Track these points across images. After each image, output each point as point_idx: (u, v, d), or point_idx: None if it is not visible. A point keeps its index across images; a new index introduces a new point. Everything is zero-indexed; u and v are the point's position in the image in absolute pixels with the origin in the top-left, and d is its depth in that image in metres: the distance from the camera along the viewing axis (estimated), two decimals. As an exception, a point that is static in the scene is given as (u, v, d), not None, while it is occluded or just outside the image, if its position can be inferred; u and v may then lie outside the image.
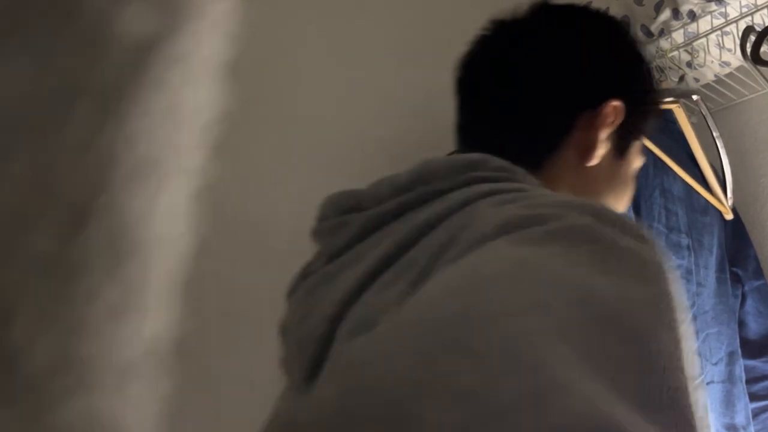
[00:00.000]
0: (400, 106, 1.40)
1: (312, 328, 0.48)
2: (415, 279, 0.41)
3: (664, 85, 1.07)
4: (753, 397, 1.04)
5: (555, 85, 0.61)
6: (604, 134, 0.60)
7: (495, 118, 0.65)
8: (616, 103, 0.60)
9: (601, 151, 0.60)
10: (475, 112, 0.68)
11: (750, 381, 1.04)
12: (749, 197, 1.20)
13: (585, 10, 0.69)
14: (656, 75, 1.10)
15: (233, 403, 1.13)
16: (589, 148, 0.60)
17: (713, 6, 1.02)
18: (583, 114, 0.60)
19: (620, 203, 0.65)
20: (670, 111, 1.03)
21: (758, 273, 1.12)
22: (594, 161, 0.60)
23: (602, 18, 0.68)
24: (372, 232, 0.51)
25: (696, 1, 1.01)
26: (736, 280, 1.09)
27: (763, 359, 1.07)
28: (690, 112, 1.12)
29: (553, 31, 0.66)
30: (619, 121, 0.61)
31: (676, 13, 1.03)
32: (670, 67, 1.10)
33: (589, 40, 0.64)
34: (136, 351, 0.19)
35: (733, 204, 1.10)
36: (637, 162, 0.66)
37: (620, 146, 0.63)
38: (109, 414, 0.18)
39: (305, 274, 0.59)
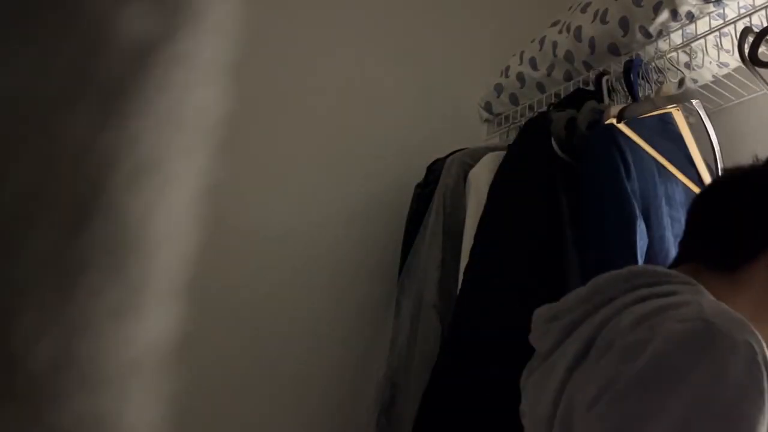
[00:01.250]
0: (403, 107, 1.41)
1: (541, 412, 0.63)
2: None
3: (663, 88, 1.07)
4: None
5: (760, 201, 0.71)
6: None
7: (716, 215, 0.75)
8: None
9: None
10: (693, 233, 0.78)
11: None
12: (748, 198, 1.20)
13: None
14: (655, 76, 1.10)
15: (233, 402, 1.13)
16: None
17: (711, 7, 1.02)
18: None
19: None
20: (669, 113, 1.03)
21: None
22: None
23: None
24: (569, 334, 0.66)
25: (694, 3, 1.02)
26: None
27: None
28: (687, 112, 1.12)
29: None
30: None
31: (674, 14, 1.04)
32: (668, 68, 1.10)
33: None
34: (137, 350, 0.19)
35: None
36: None
37: None
38: (111, 412, 0.18)
39: (530, 370, 0.75)
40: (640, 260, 0.89)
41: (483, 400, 0.90)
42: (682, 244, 0.78)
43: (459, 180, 1.15)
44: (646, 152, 0.98)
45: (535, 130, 1.06)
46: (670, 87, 1.09)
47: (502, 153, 1.09)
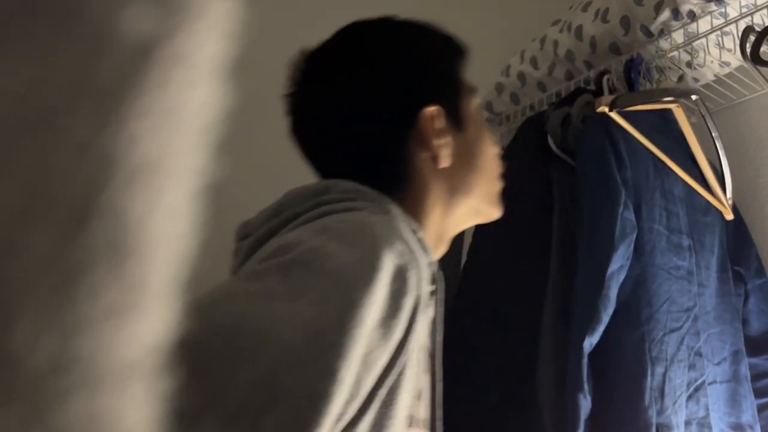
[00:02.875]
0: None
1: None
2: None
3: (663, 85, 1.07)
4: (756, 393, 1.04)
5: (364, 120, 0.68)
6: (441, 140, 0.67)
7: (331, 156, 0.73)
8: (429, 109, 0.67)
9: (446, 150, 0.67)
10: (316, 149, 0.76)
11: (752, 378, 1.04)
12: (749, 197, 1.20)
13: (367, 35, 0.78)
14: (656, 75, 1.10)
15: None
16: (435, 158, 0.66)
17: (713, 6, 1.02)
18: (410, 133, 0.66)
19: (489, 181, 0.70)
20: (669, 110, 1.03)
21: (760, 271, 1.12)
22: (446, 163, 0.67)
23: (388, 34, 0.76)
24: (252, 255, 0.59)
25: (696, 2, 1.01)
26: (739, 278, 1.09)
27: (765, 356, 1.07)
28: (690, 112, 1.12)
29: (346, 69, 0.74)
30: (441, 119, 0.67)
31: (675, 14, 1.03)
32: (669, 68, 1.10)
33: (379, 66, 0.71)
34: (138, 351, 0.19)
35: (734, 203, 1.10)
36: (474, 108, 0.72)
37: (456, 122, 0.69)
38: (111, 413, 0.18)
39: None
40: (623, 248, 0.89)
41: (482, 400, 0.90)
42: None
43: None
44: (642, 145, 0.98)
45: (531, 128, 1.07)
46: (670, 84, 1.09)
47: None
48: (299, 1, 1.35)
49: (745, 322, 1.08)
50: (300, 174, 1.29)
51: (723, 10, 1.03)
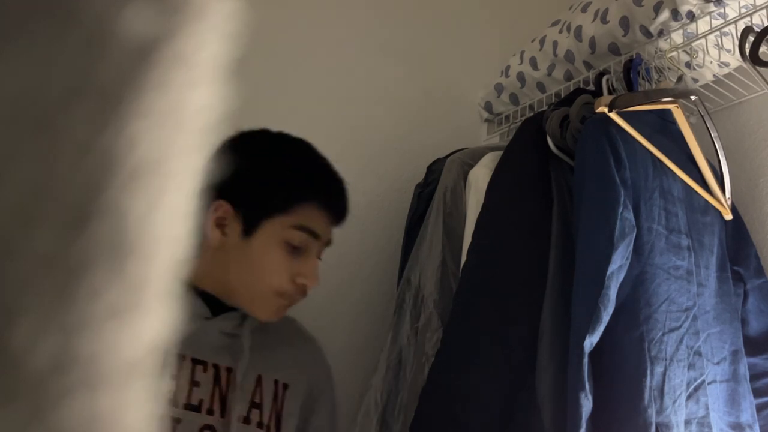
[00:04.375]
0: (403, 107, 1.40)
1: None
2: None
3: (662, 85, 1.07)
4: (755, 393, 1.04)
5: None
6: (209, 223, 0.84)
7: None
8: (219, 203, 0.85)
9: (214, 235, 0.84)
10: None
11: (751, 378, 1.04)
12: (748, 197, 1.20)
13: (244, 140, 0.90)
14: (655, 75, 1.10)
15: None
16: (206, 235, 0.84)
17: (712, 7, 1.02)
18: (204, 211, 0.82)
19: (262, 277, 0.86)
20: (669, 111, 1.03)
21: (760, 271, 1.12)
22: (212, 243, 0.84)
23: (259, 140, 0.93)
24: None
25: (695, 2, 1.02)
26: (738, 278, 1.09)
27: (764, 356, 1.07)
28: (689, 112, 1.12)
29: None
30: (229, 216, 0.85)
31: (675, 14, 1.03)
32: (669, 68, 1.10)
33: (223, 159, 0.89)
34: (138, 351, 0.19)
35: (733, 203, 1.10)
36: (278, 237, 0.85)
37: (245, 228, 0.85)
38: (111, 412, 0.18)
39: None
40: (623, 247, 0.89)
41: (482, 400, 0.90)
42: None
43: (459, 180, 1.15)
44: (641, 145, 0.98)
45: (530, 129, 1.07)
46: (669, 84, 1.09)
47: (501, 152, 1.10)
48: (299, 2, 1.35)
49: (744, 322, 1.08)
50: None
51: (722, 10, 1.03)
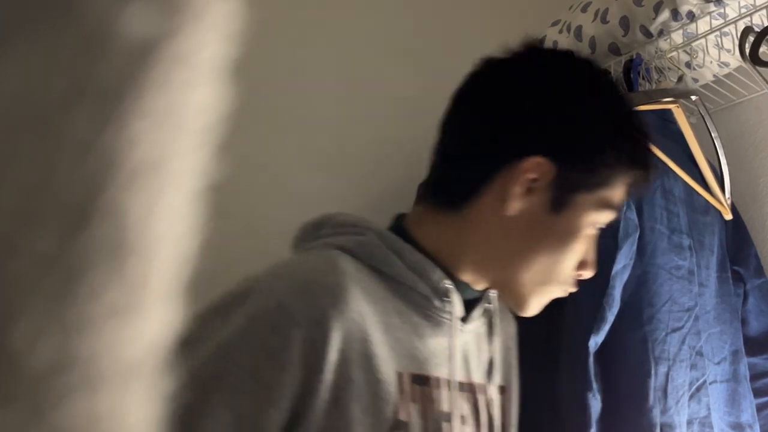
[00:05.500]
0: (402, 106, 1.40)
1: None
2: None
3: (662, 85, 1.07)
4: (755, 393, 1.04)
5: (483, 135, 0.66)
6: (518, 188, 0.63)
7: (441, 153, 0.72)
8: (538, 159, 0.62)
9: (517, 203, 0.63)
10: (437, 144, 0.75)
11: (751, 378, 1.04)
12: (748, 197, 1.20)
13: (555, 61, 0.70)
14: (655, 75, 1.10)
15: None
16: (504, 199, 0.63)
17: (712, 7, 1.02)
18: (506, 166, 0.64)
19: (559, 263, 0.64)
20: (669, 111, 1.03)
21: (760, 271, 1.12)
22: (510, 212, 0.63)
23: (570, 73, 0.68)
24: None
25: (695, 2, 1.02)
26: (738, 278, 1.09)
27: (764, 356, 1.07)
28: (689, 112, 1.12)
29: (506, 82, 0.70)
30: (545, 177, 0.63)
31: (675, 14, 1.03)
32: (669, 68, 1.10)
33: (534, 93, 0.66)
34: (138, 351, 0.19)
35: (733, 203, 1.10)
36: (590, 217, 0.65)
37: (557, 200, 0.64)
38: (111, 412, 0.18)
39: None
40: (627, 247, 0.89)
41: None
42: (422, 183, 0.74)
43: None
44: None
45: None
46: (669, 84, 1.09)
47: None
48: (300, 2, 1.35)
49: (744, 322, 1.08)
50: (301, 174, 1.29)
51: (722, 10, 1.03)
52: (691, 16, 1.04)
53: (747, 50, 0.94)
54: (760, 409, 1.03)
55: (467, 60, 1.56)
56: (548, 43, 1.25)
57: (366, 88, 1.39)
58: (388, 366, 0.58)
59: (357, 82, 1.38)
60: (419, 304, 0.63)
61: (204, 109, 0.21)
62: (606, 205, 0.65)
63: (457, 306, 0.65)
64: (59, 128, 0.18)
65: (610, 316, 0.86)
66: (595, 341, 0.84)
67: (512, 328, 0.77)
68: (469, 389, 0.66)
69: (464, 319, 0.66)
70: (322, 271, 0.59)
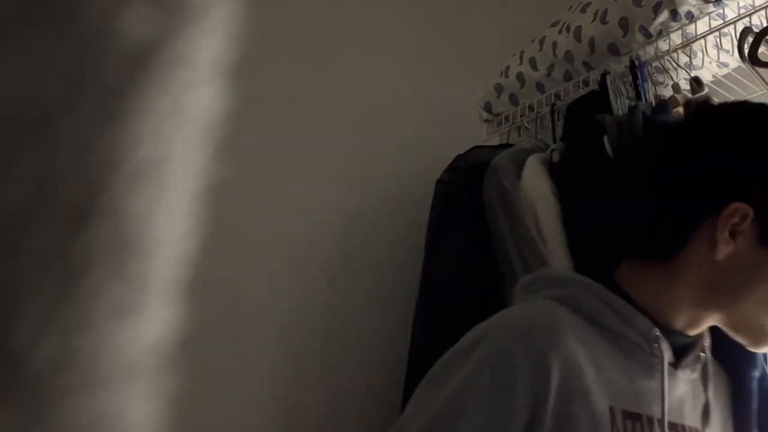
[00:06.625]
0: (403, 107, 1.40)
1: None
2: None
3: (672, 88, 1.07)
4: None
5: (693, 184, 0.70)
6: (724, 233, 0.66)
7: (645, 203, 0.75)
8: (738, 205, 0.66)
9: (726, 248, 0.66)
10: (634, 194, 0.79)
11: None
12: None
13: (735, 115, 0.75)
14: (656, 76, 1.10)
15: (233, 402, 1.13)
16: (714, 245, 0.66)
17: (711, 7, 1.02)
18: (712, 213, 0.67)
19: (757, 310, 0.68)
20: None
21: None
22: (720, 257, 0.66)
23: (750, 122, 0.73)
24: None
25: (694, 3, 1.02)
26: None
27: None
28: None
29: (695, 137, 0.74)
30: (745, 221, 0.67)
31: (674, 14, 1.04)
32: (668, 68, 1.10)
33: (722, 145, 0.71)
34: (139, 350, 0.19)
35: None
36: None
37: (763, 235, 0.67)
38: (111, 412, 0.18)
39: None
40: None
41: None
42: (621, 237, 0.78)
43: (515, 183, 1.13)
44: None
45: (586, 133, 1.05)
46: (680, 85, 1.10)
47: (539, 154, 1.10)
48: (300, 2, 1.35)
49: None
50: (301, 174, 1.29)
51: (721, 11, 1.03)
52: (691, 17, 1.04)
53: (746, 51, 0.94)
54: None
55: (467, 60, 1.56)
56: (548, 44, 1.25)
57: (366, 88, 1.39)
58: (601, 401, 0.63)
59: (356, 82, 1.38)
60: (629, 351, 0.67)
61: (205, 109, 0.21)
62: None
63: (666, 352, 0.68)
64: (59, 128, 0.18)
65: None
66: None
67: (725, 387, 0.80)
68: (682, 430, 0.69)
69: (675, 365, 0.69)
70: (537, 317, 0.67)
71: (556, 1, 1.36)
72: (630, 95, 1.11)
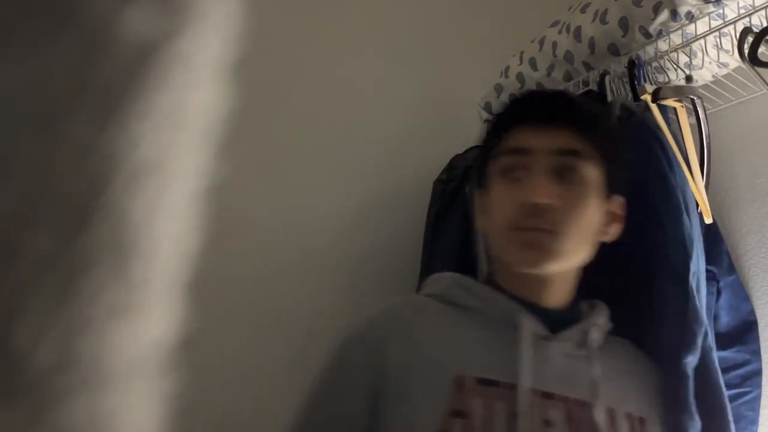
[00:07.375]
0: (403, 107, 1.40)
1: None
2: None
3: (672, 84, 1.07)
4: (726, 385, 1.04)
5: None
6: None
7: None
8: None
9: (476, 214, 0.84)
10: None
11: (723, 371, 1.04)
12: (747, 197, 1.20)
13: None
14: (657, 76, 1.10)
15: (234, 402, 1.13)
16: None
17: (711, 7, 1.02)
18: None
19: (500, 244, 0.77)
20: (674, 108, 1.03)
21: (731, 268, 1.12)
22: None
23: None
24: None
25: (694, 3, 1.02)
26: (712, 277, 1.09)
27: (734, 349, 1.07)
28: (688, 112, 1.12)
29: None
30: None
31: (674, 15, 1.04)
32: (668, 68, 1.10)
33: None
34: (139, 350, 0.19)
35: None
36: (496, 184, 0.78)
37: (480, 179, 0.82)
38: (111, 412, 0.18)
39: None
40: (700, 255, 0.90)
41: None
42: None
43: None
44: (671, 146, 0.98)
45: None
46: (680, 83, 1.10)
47: None
48: (300, 2, 1.35)
49: (715, 318, 1.08)
50: (300, 173, 1.29)
51: (721, 11, 1.03)
52: (690, 17, 1.04)
53: (746, 51, 0.94)
54: (731, 400, 1.03)
55: (467, 60, 1.56)
56: (548, 44, 1.25)
57: (366, 88, 1.39)
58: (446, 369, 0.70)
59: (357, 82, 1.38)
60: (494, 327, 0.74)
61: (205, 109, 0.21)
62: (499, 154, 0.82)
63: (527, 324, 0.73)
64: (60, 128, 0.18)
65: (700, 331, 0.86)
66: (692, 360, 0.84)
67: (645, 372, 0.81)
68: (560, 399, 0.71)
69: (549, 339, 0.74)
70: (384, 307, 0.79)
71: (556, 1, 1.36)
72: (629, 95, 1.11)
